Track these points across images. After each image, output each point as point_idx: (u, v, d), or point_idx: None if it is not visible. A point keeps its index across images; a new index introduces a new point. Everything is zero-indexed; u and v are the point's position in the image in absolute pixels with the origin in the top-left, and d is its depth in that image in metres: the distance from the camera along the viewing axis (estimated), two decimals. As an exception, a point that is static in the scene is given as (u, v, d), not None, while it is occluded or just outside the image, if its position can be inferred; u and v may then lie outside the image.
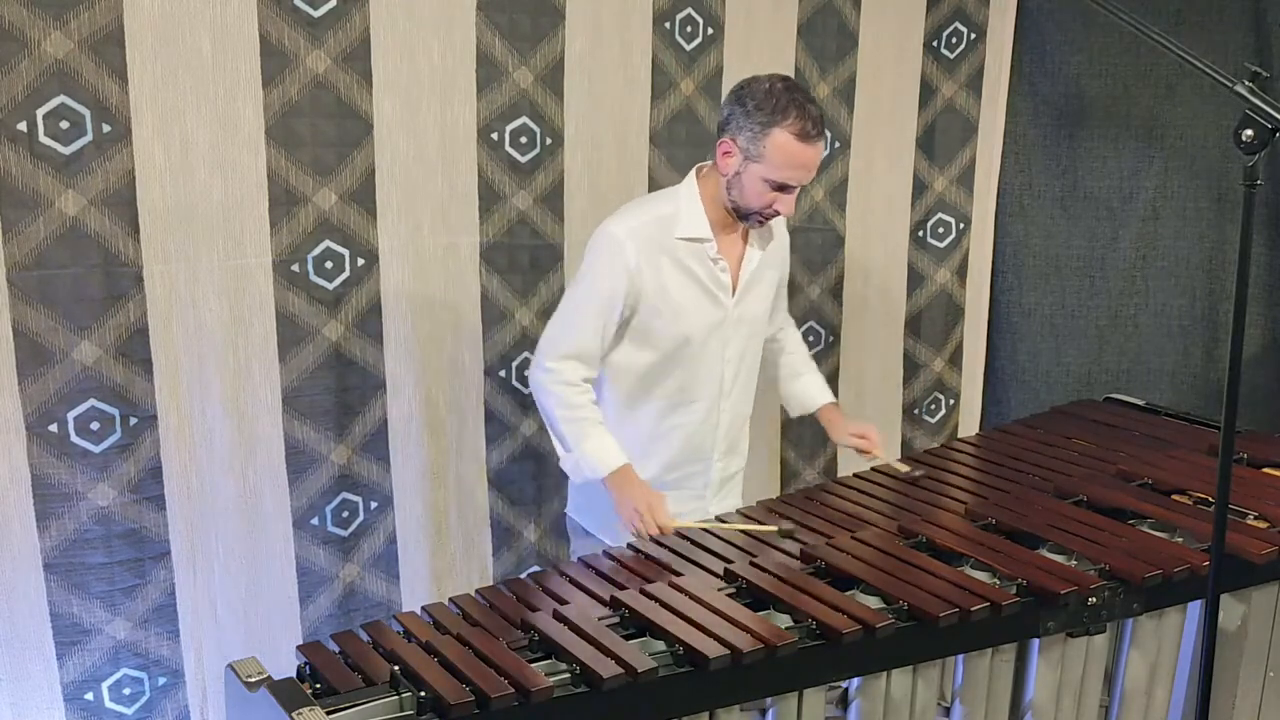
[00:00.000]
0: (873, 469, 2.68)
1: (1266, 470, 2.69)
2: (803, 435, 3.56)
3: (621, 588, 2.04)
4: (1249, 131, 1.76)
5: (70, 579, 2.50)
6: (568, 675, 1.76)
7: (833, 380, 3.44)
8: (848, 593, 2.03)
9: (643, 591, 2.00)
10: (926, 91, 3.50)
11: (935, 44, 3.48)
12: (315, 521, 2.78)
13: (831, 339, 3.53)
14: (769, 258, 2.54)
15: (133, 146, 2.42)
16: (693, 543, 2.30)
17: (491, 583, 2.57)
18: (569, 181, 2.98)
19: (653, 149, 3.08)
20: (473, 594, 2.07)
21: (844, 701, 2.05)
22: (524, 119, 2.88)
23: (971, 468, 2.68)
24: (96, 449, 2.49)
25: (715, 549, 2.27)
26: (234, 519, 2.68)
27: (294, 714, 1.61)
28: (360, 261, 2.74)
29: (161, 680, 2.64)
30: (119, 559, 2.54)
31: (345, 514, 2.83)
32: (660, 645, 1.86)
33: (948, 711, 2.13)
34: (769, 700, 1.90)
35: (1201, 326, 3.63)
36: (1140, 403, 3.27)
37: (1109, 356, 3.68)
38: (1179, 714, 2.34)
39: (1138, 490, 2.53)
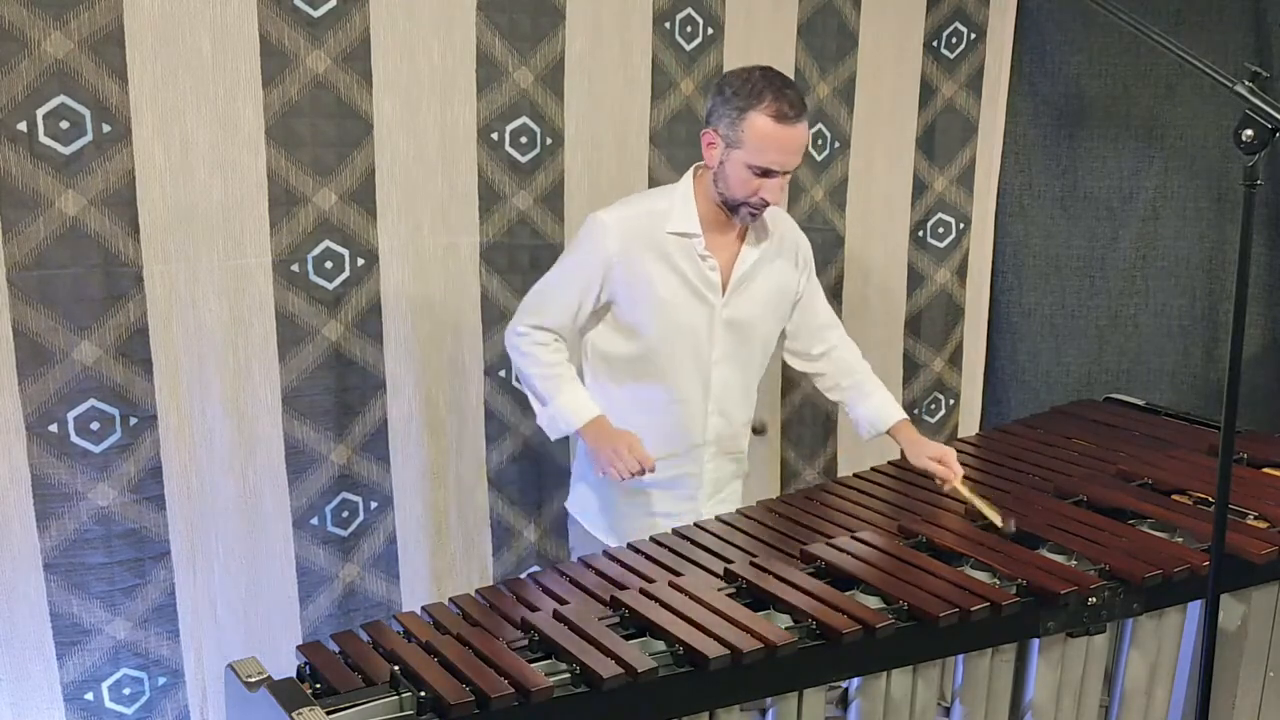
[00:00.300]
0: (976, 524, 2.41)
1: (1266, 470, 2.69)
2: (803, 435, 3.56)
3: (621, 588, 2.04)
4: (1249, 131, 1.76)
5: (70, 579, 2.50)
6: (568, 675, 1.76)
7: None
8: (848, 593, 2.03)
9: (643, 591, 2.00)
10: (926, 91, 3.50)
11: (935, 44, 3.48)
12: (315, 521, 2.79)
13: (831, 339, 3.53)
14: (768, 259, 2.53)
15: (133, 146, 2.42)
16: (693, 543, 2.30)
17: (491, 583, 2.57)
18: (569, 181, 2.98)
19: (653, 149, 3.08)
20: (473, 594, 2.07)
21: (844, 701, 2.05)
22: (524, 119, 2.88)
23: (971, 468, 2.68)
24: (96, 449, 2.49)
25: (715, 549, 2.27)
26: (234, 519, 2.68)
27: (294, 714, 1.61)
28: (360, 261, 2.74)
29: (161, 680, 2.64)
30: (119, 559, 2.54)
31: (345, 514, 2.83)
32: (660, 645, 1.86)
33: (948, 711, 2.13)
34: (769, 700, 1.90)
35: (1201, 326, 3.63)
36: (1140, 403, 3.27)
37: (1109, 356, 3.68)
38: (1179, 714, 2.34)
39: (1138, 490, 2.53)
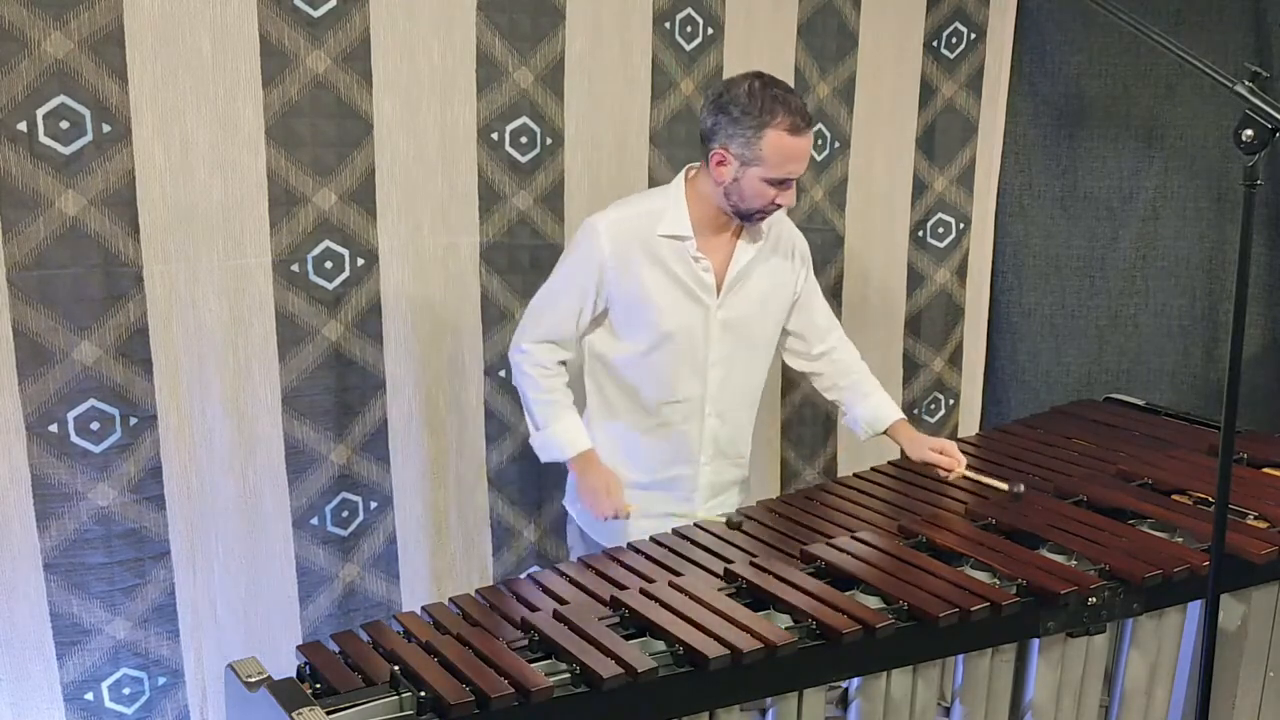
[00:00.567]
0: (978, 489, 2.54)
1: (1266, 470, 2.69)
2: (803, 435, 3.56)
3: (621, 588, 2.04)
4: (1249, 131, 1.76)
5: (70, 579, 2.50)
6: (568, 675, 1.76)
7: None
8: (848, 593, 2.03)
9: (643, 591, 2.00)
10: (926, 91, 3.50)
11: (935, 44, 3.48)
12: (315, 521, 2.79)
13: (831, 339, 3.53)
14: (764, 258, 2.53)
15: (133, 146, 2.42)
16: (693, 543, 2.30)
17: (491, 583, 2.57)
18: (569, 181, 2.98)
19: (653, 149, 3.08)
20: (473, 594, 2.07)
21: (844, 701, 2.05)
22: (524, 119, 2.88)
23: (972, 467, 2.68)
24: (96, 449, 2.49)
25: (715, 549, 2.27)
26: (234, 519, 2.68)
27: (294, 714, 1.61)
28: (360, 261, 2.73)
29: (161, 680, 2.64)
30: (119, 559, 2.54)
31: (345, 514, 2.83)
32: (660, 645, 1.86)
33: (948, 711, 2.13)
34: (769, 700, 1.90)
35: (1201, 326, 3.63)
36: (1140, 403, 3.27)
37: (1109, 356, 3.68)
38: (1179, 714, 2.34)
39: (1138, 490, 2.53)
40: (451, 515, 2.98)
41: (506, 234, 2.91)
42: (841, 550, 2.19)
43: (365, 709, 1.67)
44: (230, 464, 2.65)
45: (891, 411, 2.65)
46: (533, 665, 1.76)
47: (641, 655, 1.79)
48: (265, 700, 1.68)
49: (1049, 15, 3.50)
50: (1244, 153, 1.76)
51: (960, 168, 3.59)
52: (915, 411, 3.71)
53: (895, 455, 2.74)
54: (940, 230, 3.61)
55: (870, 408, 2.66)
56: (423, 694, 1.68)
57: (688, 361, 2.48)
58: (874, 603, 2.01)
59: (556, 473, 2.74)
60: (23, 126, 2.31)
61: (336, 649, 1.84)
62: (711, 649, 1.80)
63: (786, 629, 1.90)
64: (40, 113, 2.32)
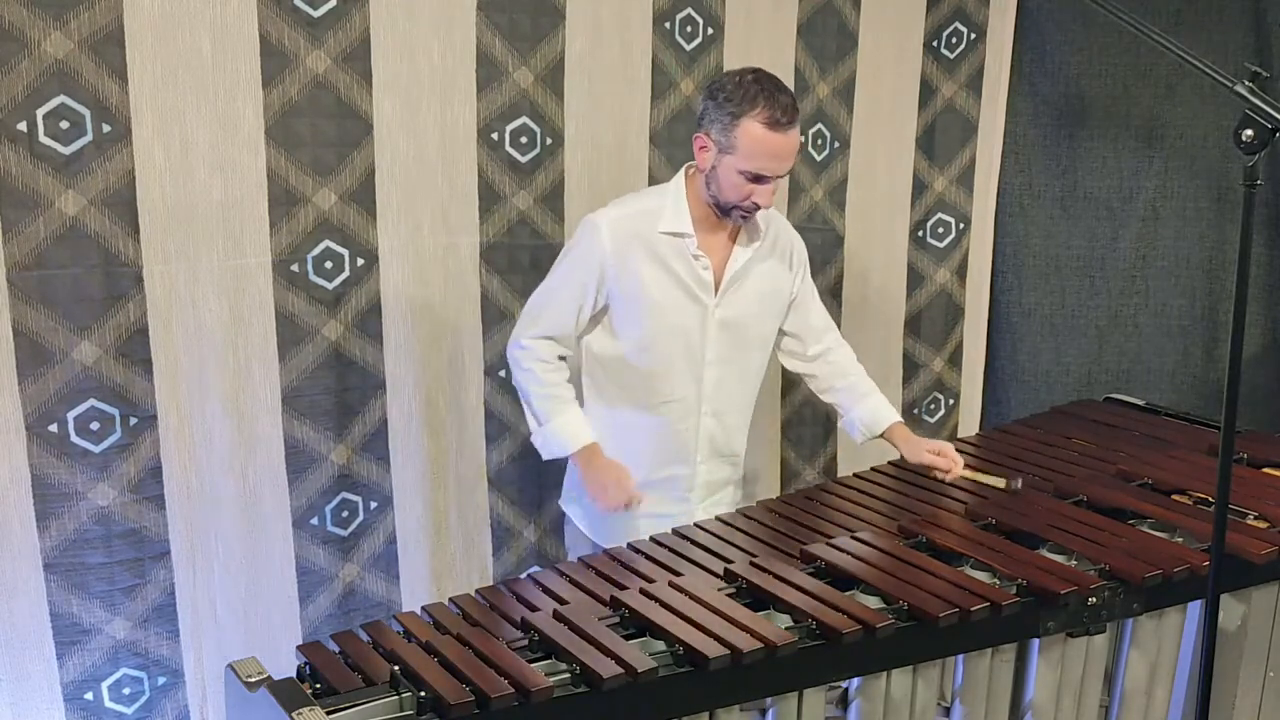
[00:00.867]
0: (980, 487, 2.55)
1: (1266, 470, 2.69)
2: (803, 435, 3.56)
3: (621, 588, 2.04)
4: (1249, 131, 1.76)
5: (70, 579, 2.50)
6: (568, 675, 1.76)
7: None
8: (848, 593, 2.03)
9: (643, 591, 2.00)
10: (926, 91, 3.50)
11: (935, 44, 3.48)
12: (315, 521, 2.79)
13: (831, 339, 3.53)
14: (761, 258, 2.53)
15: (133, 146, 2.42)
16: (693, 543, 2.30)
17: (491, 583, 2.57)
18: (569, 181, 2.98)
19: (653, 149, 3.08)
20: (473, 594, 2.07)
21: (844, 701, 2.05)
22: (524, 119, 2.88)
23: (972, 468, 2.68)
24: (96, 449, 2.49)
25: (715, 549, 2.27)
26: (234, 519, 2.68)
27: (294, 714, 1.61)
28: (360, 261, 2.74)
29: (161, 680, 2.64)
30: (119, 559, 2.54)
31: (345, 514, 2.83)
32: (660, 645, 1.86)
33: (948, 711, 2.13)
34: (769, 700, 1.90)
35: (1201, 326, 3.63)
36: (1140, 403, 3.27)
37: (1109, 356, 3.68)
38: (1179, 714, 2.34)
39: (1138, 490, 2.53)
40: (451, 515, 2.98)
41: (506, 234, 2.91)
42: (841, 550, 2.19)
43: (365, 709, 1.67)
44: (230, 464, 2.65)
45: (889, 414, 2.65)
46: (533, 665, 1.75)
47: (641, 655, 1.79)
48: (265, 700, 1.68)
49: (1049, 15, 3.50)
50: (1244, 153, 1.76)
51: (960, 168, 3.59)
52: (915, 411, 3.71)
53: (895, 455, 2.74)
54: (940, 230, 3.61)
55: (868, 410, 2.65)
56: (423, 694, 1.68)
57: (684, 360, 2.48)
58: (874, 603, 2.01)
59: (556, 473, 2.74)
60: (23, 126, 2.31)
61: (336, 649, 1.84)
62: (711, 649, 1.80)
63: (786, 629, 1.90)
64: (40, 113, 2.32)
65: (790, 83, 3.19)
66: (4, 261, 2.34)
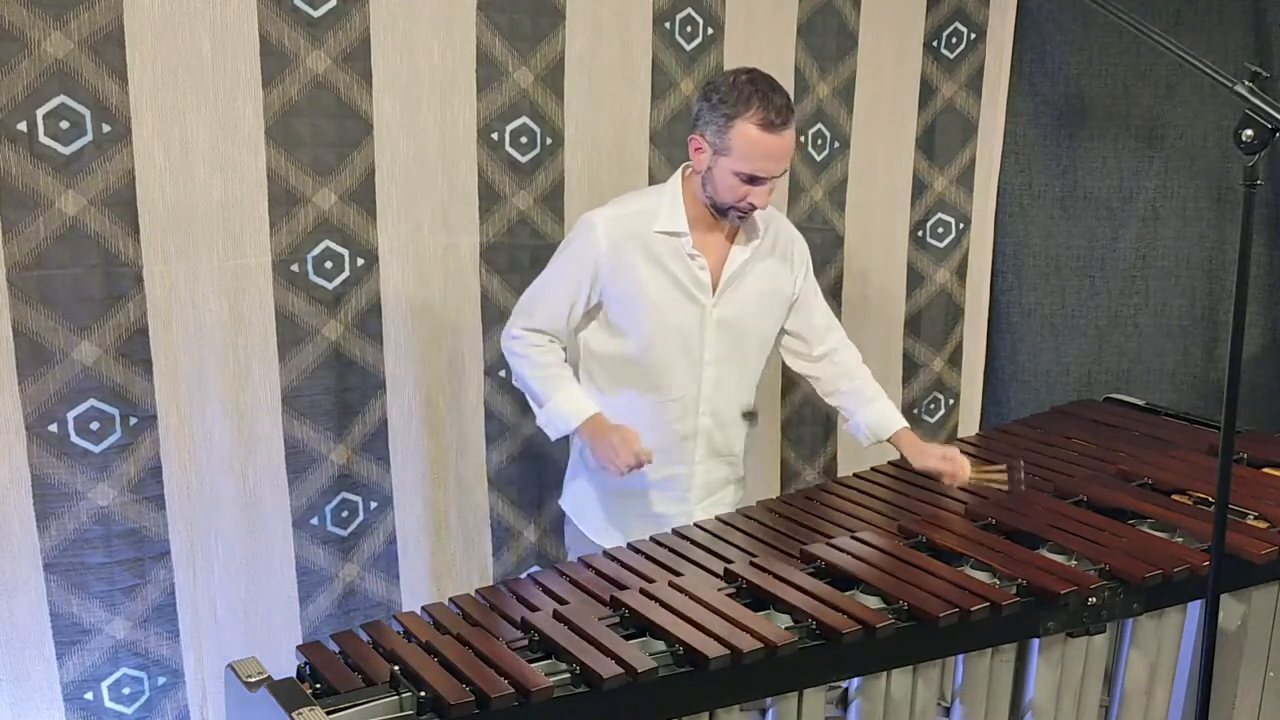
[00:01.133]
0: (983, 483, 2.54)
1: (1266, 470, 2.69)
2: (803, 435, 3.56)
3: (621, 588, 2.04)
4: (1249, 131, 1.76)
5: (70, 579, 2.50)
6: (568, 675, 1.76)
7: (833, 380, 3.43)
8: (848, 593, 2.03)
9: (643, 591, 2.00)
10: (926, 91, 3.50)
11: (935, 44, 3.48)
12: (315, 521, 2.79)
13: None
14: (760, 258, 2.52)
15: (133, 146, 2.42)
16: (693, 543, 2.30)
17: (491, 583, 2.57)
18: (569, 181, 2.98)
19: (653, 149, 3.08)
20: (473, 594, 2.07)
21: (844, 701, 2.05)
22: (524, 119, 2.88)
23: (971, 468, 2.68)
24: (96, 449, 2.49)
25: (715, 549, 2.27)
26: (234, 519, 2.68)
27: (294, 714, 1.61)
28: (360, 261, 2.74)
29: (161, 680, 2.64)
30: (119, 559, 2.54)
31: (345, 514, 2.83)
32: (660, 645, 1.86)
33: (948, 711, 2.13)
34: (769, 700, 1.90)
35: (1201, 326, 3.64)
36: (1140, 403, 3.27)
37: (1109, 356, 3.68)
38: (1179, 714, 2.34)
39: (1138, 490, 2.53)
40: (451, 515, 2.98)
41: (506, 234, 2.91)
42: (841, 550, 2.19)
43: (365, 709, 1.67)
44: (230, 464, 2.65)
45: (896, 419, 2.62)
46: (533, 665, 1.75)
47: (641, 655, 1.79)
48: (265, 700, 1.68)
49: (1049, 15, 3.50)
50: (1244, 153, 1.76)
51: (960, 168, 3.59)
52: (915, 411, 3.71)
53: (895, 455, 2.73)
54: (940, 230, 3.61)
55: (874, 414, 2.62)
56: (423, 694, 1.68)
57: (682, 360, 2.48)
58: (874, 603, 2.01)
59: (556, 473, 2.74)
60: (23, 126, 2.31)
61: (336, 649, 1.84)
62: (711, 649, 1.80)
63: (786, 629, 1.90)
64: (40, 113, 2.32)
65: (790, 83, 3.20)
66: (4, 261, 2.34)
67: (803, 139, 3.32)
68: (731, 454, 2.63)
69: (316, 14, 2.57)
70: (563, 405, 2.43)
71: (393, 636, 1.85)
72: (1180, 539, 2.30)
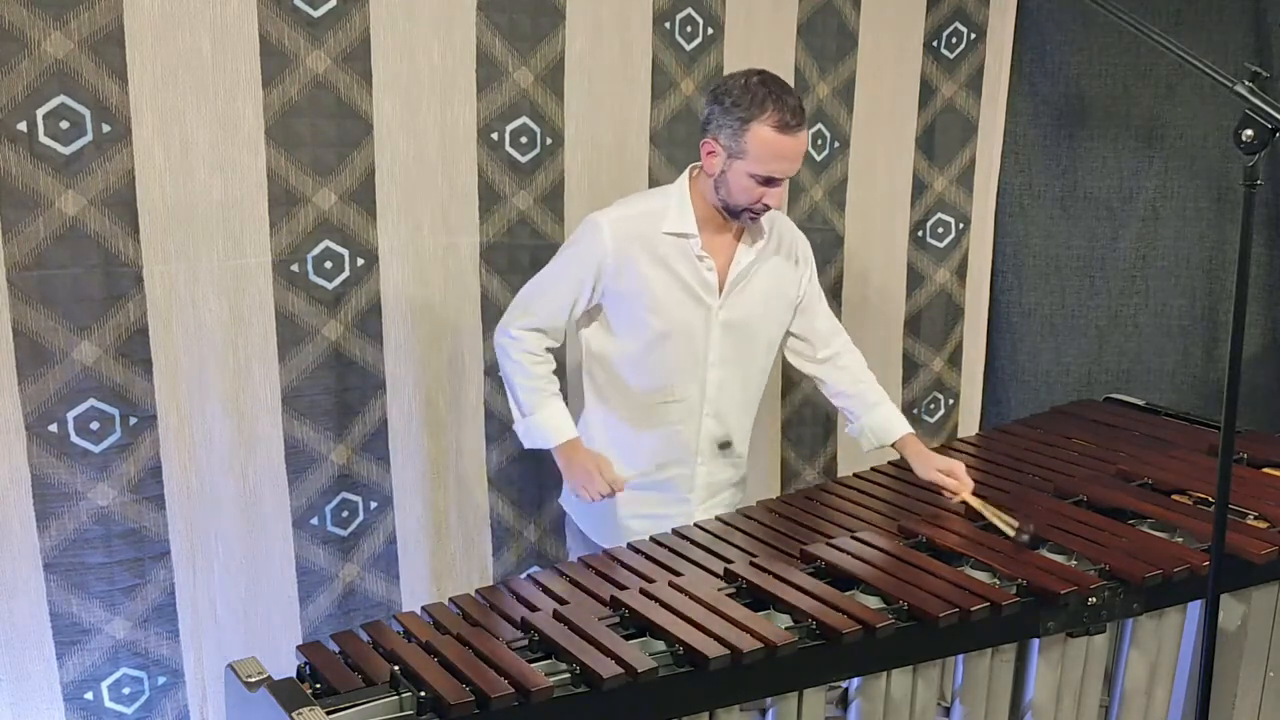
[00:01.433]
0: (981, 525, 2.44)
1: (1266, 470, 2.69)
2: (803, 435, 3.56)
3: (621, 588, 2.04)
4: (1249, 131, 1.76)
5: (70, 579, 2.50)
6: (568, 675, 1.76)
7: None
8: (848, 593, 2.03)
9: (643, 591, 2.00)
10: (926, 91, 3.50)
11: (935, 44, 3.48)
12: (315, 521, 2.78)
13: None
14: (765, 258, 2.52)
15: (133, 146, 2.42)
16: (693, 543, 2.30)
17: (491, 583, 2.58)
18: (569, 181, 2.98)
19: (653, 149, 3.08)
20: (473, 594, 2.07)
21: (844, 701, 2.05)
22: (524, 119, 2.88)
23: (971, 468, 2.67)
24: (96, 449, 2.49)
25: (715, 549, 2.27)
26: (234, 519, 2.68)
27: (294, 714, 1.61)
28: (360, 261, 2.73)
29: (161, 680, 2.64)
30: (119, 559, 2.54)
31: (345, 514, 2.83)
32: (660, 645, 1.86)
33: (948, 711, 2.13)
34: (769, 700, 1.90)
35: (1201, 326, 3.63)
36: (1140, 403, 3.27)
37: (1109, 356, 3.68)
38: (1179, 714, 2.34)
39: (1138, 490, 2.53)
40: (451, 515, 2.98)
41: (506, 234, 2.91)
42: (841, 550, 2.19)
43: (365, 709, 1.68)
44: (230, 464, 2.65)
45: (900, 425, 2.61)
46: (533, 665, 1.75)
47: (641, 655, 1.79)
48: (265, 700, 1.68)
49: (1049, 15, 3.50)
50: (1244, 153, 1.76)
51: (960, 168, 3.59)
52: (915, 411, 3.71)
53: (896, 456, 2.73)
54: (940, 230, 3.61)
55: (879, 419, 2.61)
56: (423, 694, 1.68)
57: (687, 361, 2.48)
58: (874, 603, 2.01)
59: (556, 472, 2.74)
60: (23, 126, 2.31)
61: (336, 649, 1.84)
62: (711, 649, 1.80)
63: (786, 629, 1.90)
64: (40, 113, 2.32)
65: (790, 83, 3.18)
66: (4, 261, 2.34)
67: (803, 139, 3.32)
68: (736, 455, 2.63)
69: (316, 14, 2.57)
70: (545, 422, 2.45)
71: (393, 636, 1.86)
72: (1180, 539, 2.30)
